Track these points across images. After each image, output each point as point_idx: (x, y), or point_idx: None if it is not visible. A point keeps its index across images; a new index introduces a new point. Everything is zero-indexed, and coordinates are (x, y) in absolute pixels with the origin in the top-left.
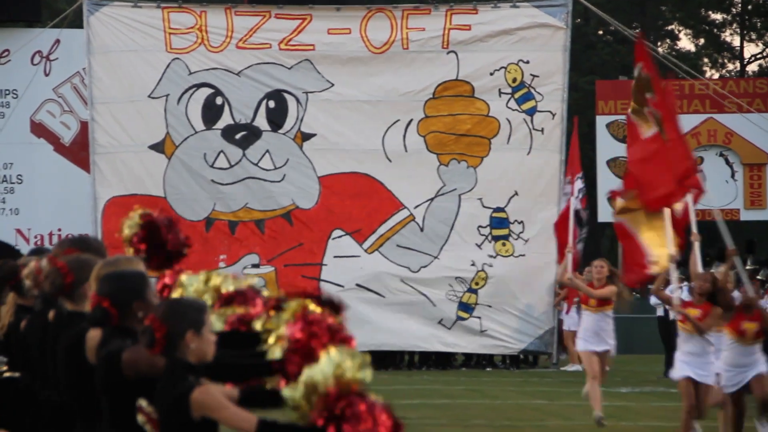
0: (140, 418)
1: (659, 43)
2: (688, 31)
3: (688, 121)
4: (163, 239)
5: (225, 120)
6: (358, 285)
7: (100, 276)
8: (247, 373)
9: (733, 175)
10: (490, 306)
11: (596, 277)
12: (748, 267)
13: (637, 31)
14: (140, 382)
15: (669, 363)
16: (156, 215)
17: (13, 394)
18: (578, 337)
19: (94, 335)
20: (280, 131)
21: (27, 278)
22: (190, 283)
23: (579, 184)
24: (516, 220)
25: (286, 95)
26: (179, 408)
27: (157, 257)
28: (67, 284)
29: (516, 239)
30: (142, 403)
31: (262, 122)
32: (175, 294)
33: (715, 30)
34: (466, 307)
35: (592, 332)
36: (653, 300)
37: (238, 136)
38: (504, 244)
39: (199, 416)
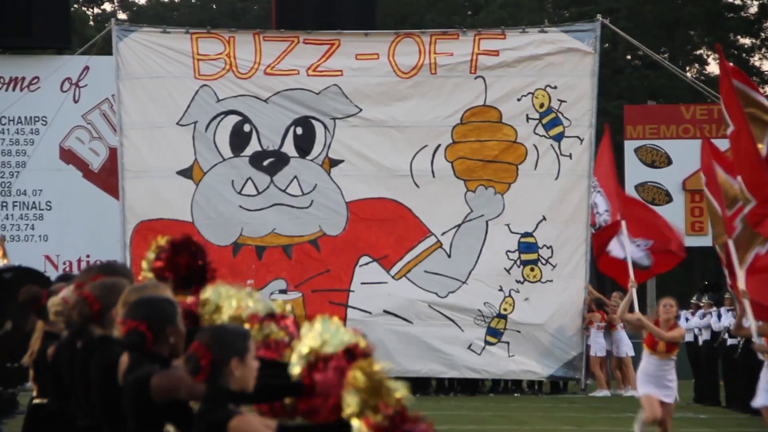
0: None
1: (687, 68)
2: (717, 55)
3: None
4: (183, 261)
5: (253, 147)
6: (385, 311)
7: (129, 301)
8: (278, 393)
9: None
10: (518, 331)
11: (664, 317)
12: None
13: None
14: (168, 408)
15: (698, 389)
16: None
17: (43, 419)
18: (638, 381)
19: (125, 360)
20: (307, 157)
21: (55, 312)
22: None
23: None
24: (544, 245)
25: (314, 122)
26: None
27: (176, 278)
28: (95, 312)
29: (544, 264)
30: (170, 429)
31: (289, 148)
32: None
33: (744, 54)
34: (494, 333)
35: (654, 378)
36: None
37: (265, 163)
38: (532, 269)
39: None
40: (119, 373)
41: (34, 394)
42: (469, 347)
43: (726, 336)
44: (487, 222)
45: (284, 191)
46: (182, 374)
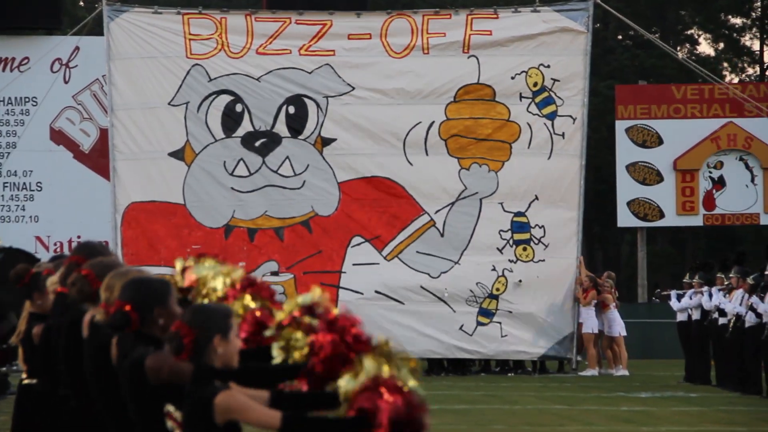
0: (169, 424)
1: (679, 48)
2: (708, 35)
3: (707, 126)
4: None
5: (245, 127)
6: (377, 292)
7: (112, 285)
8: (275, 378)
9: (752, 180)
10: (510, 312)
11: None
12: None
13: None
14: (166, 388)
15: (689, 368)
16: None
17: (32, 400)
18: None
19: (115, 344)
20: (300, 137)
21: (53, 291)
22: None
23: None
24: (536, 225)
25: (306, 100)
26: (203, 412)
27: None
28: (95, 291)
29: (536, 244)
30: (170, 408)
31: (282, 128)
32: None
33: (735, 34)
34: (486, 313)
35: None
36: (675, 305)
37: (257, 144)
38: (525, 249)
39: (223, 421)
40: (114, 355)
41: (24, 375)
42: (460, 328)
43: (716, 315)
44: (480, 200)
45: (276, 172)
46: (167, 355)
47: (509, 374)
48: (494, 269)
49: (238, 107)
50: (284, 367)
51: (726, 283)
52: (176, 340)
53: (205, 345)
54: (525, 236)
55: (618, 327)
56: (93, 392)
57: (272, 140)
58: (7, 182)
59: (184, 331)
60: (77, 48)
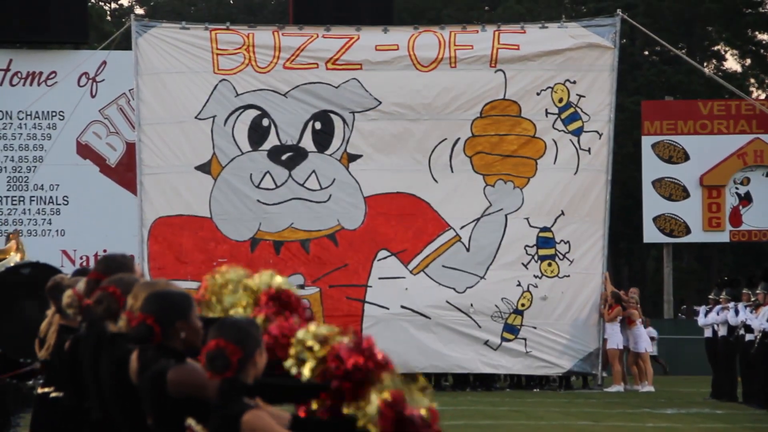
0: None
1: (705, 64)
2: (735, 51)
3: (734, 142)
4: None
5: (271, 141)
6: (403, 307)
7: (137, 294)
8: (296, 395)
9: None
10: (534, 327)
11: None
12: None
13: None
14: (187, 401)
15: (716, 384)
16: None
17: (57, 413)
18: None
19: (136, 357)
20: (326, 152)
21: (67, 304)
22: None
23: None
24: (562, 240)
25: (333, 116)
26: (230, 429)
27: None
28: (121, 308)
29: (561, 259)
30: (191, 422)
31: (308, 143)
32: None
33: (762, 50)
34: (511, 329)
35: None
36: (701, 321)
37: (284, 157)
38: (550, 265)
39: None
40: (132, 369)
41: (40, 390)
42: (485, 343)
43: (742, 331)
44: (506, 216)
45: (302, 185)
46: (204, 373)
47: (535, 390)
48: (519, 284)
49: (265, 122)
50: (306, 384)
51: (753, 299)
52: (222, 359)
53: (248, 361)
54: (550, 252)
55: (644, 343)
56: (111, 404)
57: (298, 154)
58: (33, 196)
59: (231, 350)
60: (104, 62)
